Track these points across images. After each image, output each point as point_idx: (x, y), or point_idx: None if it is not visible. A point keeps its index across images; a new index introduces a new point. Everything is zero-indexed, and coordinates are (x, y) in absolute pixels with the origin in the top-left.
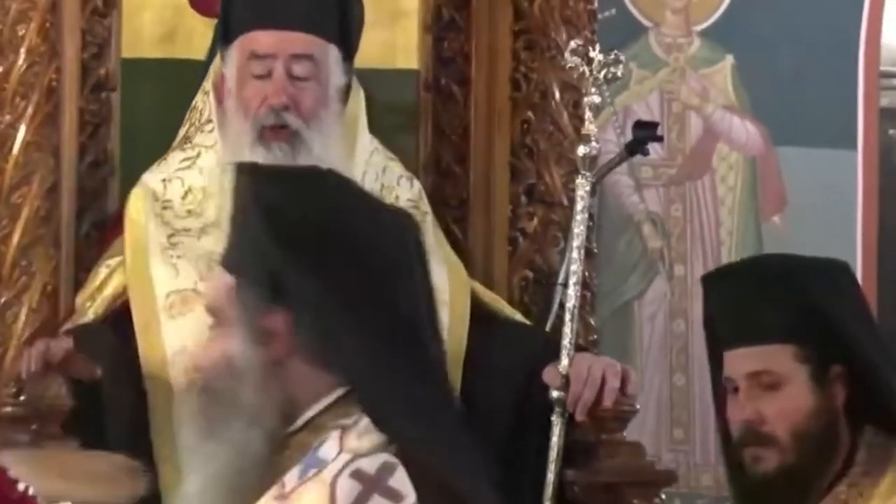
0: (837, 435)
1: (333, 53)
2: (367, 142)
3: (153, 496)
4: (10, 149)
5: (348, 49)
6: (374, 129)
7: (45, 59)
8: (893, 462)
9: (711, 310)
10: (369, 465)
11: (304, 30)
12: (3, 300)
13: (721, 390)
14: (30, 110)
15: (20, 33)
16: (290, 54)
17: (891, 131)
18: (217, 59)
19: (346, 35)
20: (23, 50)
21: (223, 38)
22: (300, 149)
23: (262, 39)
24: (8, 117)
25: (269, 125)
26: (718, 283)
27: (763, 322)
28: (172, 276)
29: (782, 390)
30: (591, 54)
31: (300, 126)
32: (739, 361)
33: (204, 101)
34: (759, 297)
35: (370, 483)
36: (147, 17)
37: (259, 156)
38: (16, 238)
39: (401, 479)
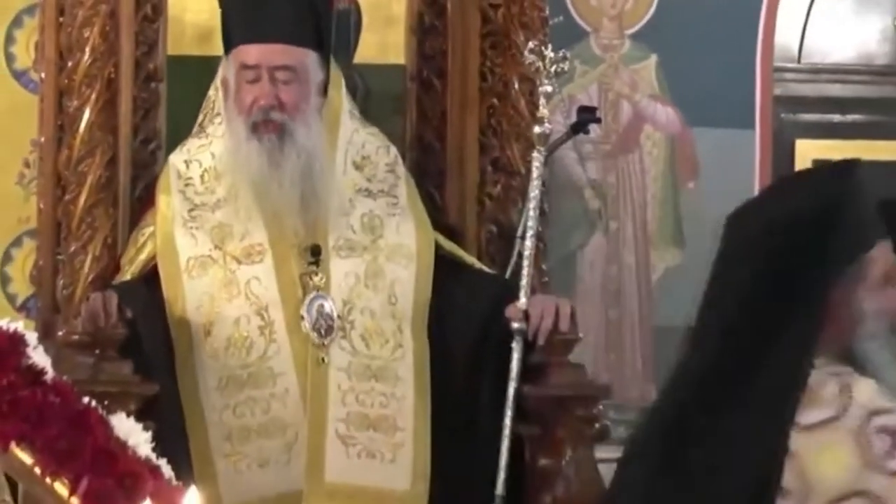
0: None
1: (312, 57)
2: (348, 124)
3: (179, 418)
4: (78, 128)
5: (325, 51)
6: (370, 113)
7: (105, 56)
8: None
9: None
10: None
11: (285, 42)
12: (72, 249)
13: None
14: (93, 97)
15: (85, 35)
16: (272, 66)
17: (782, 115)
18: (223, 61)
19: (322, 40)
20: (87, 48)
21: (224, 47)
22: (286, 138)
23: (250, 52)
24: (76, 102)
25: (259, 121)
26: None
27: None
28: (192, 244)
29: None
30: (545, 53)
31: (286, 120)
32: None
33: (216, 95)
34: None
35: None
36: (188, 22)
37: (253, 146)
38: (82, 200)
39: None
